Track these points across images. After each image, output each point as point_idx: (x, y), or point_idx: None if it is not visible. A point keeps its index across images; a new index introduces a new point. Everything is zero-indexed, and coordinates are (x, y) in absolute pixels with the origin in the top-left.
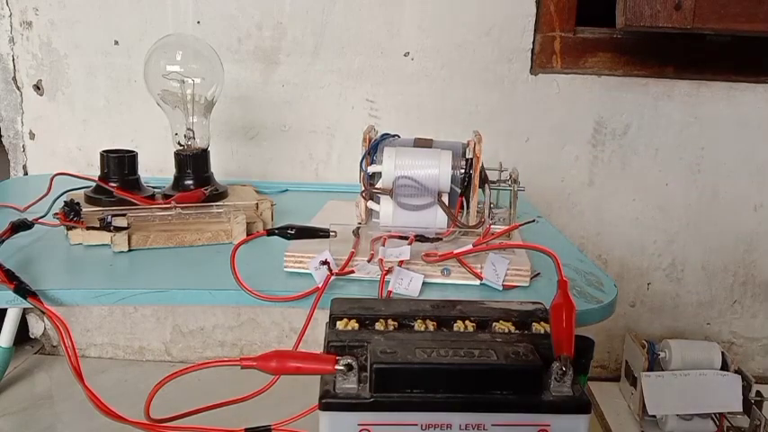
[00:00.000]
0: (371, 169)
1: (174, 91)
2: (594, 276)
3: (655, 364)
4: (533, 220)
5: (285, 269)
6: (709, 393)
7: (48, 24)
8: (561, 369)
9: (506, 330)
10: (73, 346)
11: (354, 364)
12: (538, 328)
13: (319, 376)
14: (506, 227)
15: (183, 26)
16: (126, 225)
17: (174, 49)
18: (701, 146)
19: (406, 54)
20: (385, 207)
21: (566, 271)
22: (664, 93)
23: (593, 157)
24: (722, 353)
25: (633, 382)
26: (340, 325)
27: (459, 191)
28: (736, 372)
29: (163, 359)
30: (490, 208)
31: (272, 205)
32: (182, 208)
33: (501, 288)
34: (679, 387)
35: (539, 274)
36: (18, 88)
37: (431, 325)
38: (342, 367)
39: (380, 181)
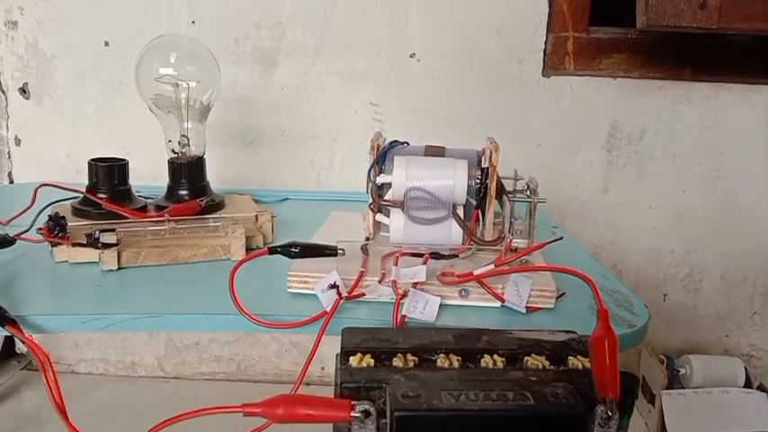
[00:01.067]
0: (381, 180)
1: (168, 95)
2: (622, 296)
3: (674, 380)
4: (560, 238)
5: (288, 290)
6: (733, 412)
7: (34, 24)
8: (606, 413)
9: (540, 366)
10: (56, 380)
11: (372, 409)
12: (575, 362)
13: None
14: (526, 242)
15: (177, 26)
16: (115, 241)
17: (168, 51)
18: (721, 151)
19: (412, 55)
20: (395, 221)
21: (588, 288)
22: (681, 95)
23: (608, 162)
24: (745, 368)
25: (651, 399)
26: (353, 361)
27: (475, 203)
28: (759, 388)
29: (156, 375)
30: (511, 222)
31: (272, 217)
32: (175, 221)
33: (524, 311)
34: (701, 406)
35: (563, 294)
36: (3, 92)
37: (455, 360)
38: (358, 414)
39: (390, 192)
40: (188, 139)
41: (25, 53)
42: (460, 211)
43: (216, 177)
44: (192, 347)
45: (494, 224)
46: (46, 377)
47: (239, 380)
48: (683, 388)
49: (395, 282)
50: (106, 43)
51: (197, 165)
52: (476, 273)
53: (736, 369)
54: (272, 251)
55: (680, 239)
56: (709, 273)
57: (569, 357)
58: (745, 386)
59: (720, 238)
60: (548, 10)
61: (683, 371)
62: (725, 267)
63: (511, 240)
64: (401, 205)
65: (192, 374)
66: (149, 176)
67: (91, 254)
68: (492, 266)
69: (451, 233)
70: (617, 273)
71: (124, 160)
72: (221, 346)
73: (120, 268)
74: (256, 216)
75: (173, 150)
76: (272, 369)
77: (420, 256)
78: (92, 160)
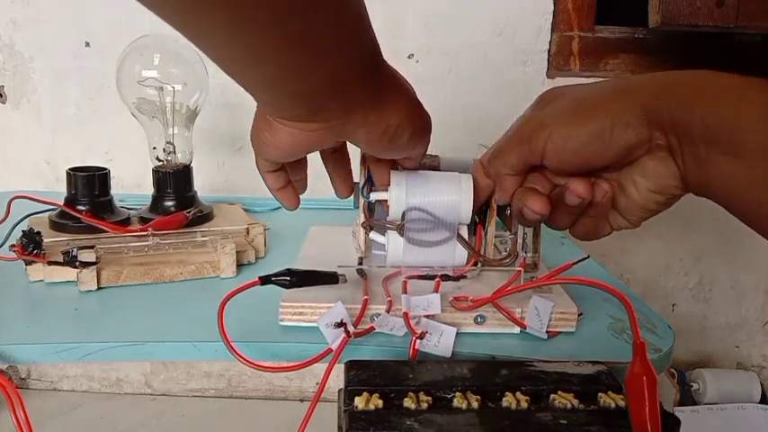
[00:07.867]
0: (375, 196)
1: (152, 99)
2: (643, 315)
3: (686, 396)
4: (587, 257)
5: (281, 323)
6: (750, 430)
7: (10, 24)
8: None
9: (569, 406)
10: (27, 421)
11: None
12: (606, 400)
13: None
14: (532, 257)
15: (161, 25)
16: (94, 260)
17: (151, 52)
18: None
19: (410, 56)
20: (393, 241)
21: (606, 307)
22: None
23: None
24: (761, 383)
25: None
26: (359, 402)
27: (477, 219)
28: None
29: (143, 392)
30: (524, 239)
31: (264, 230)
32: (160, 236)
33: (546, 336)
34: (716, 423)
35: (581, 314)
36: None
37: (473, 400)
38: None
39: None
40: (174, 147)
41: (1, 55)
42: (464, 229)
43: (204, 185)
44: (181, 363)
45: (501, 241)
46: (16, 416)
47: (230, 396)
48: (696, 404)
49: (407, 314)
50: (87, 44)
51: (184, 174)
52: (492, 295)
53: (751, 384)
54: (265, 281)
55: (690, 248)
56: (719, 281)
57: (600, 394)
58: (760, 402)
59: (730, 245)
60: (552, 8)
61: (695, 386)
62: (735, 276)
63: (525, 259)
64: (399, 228)
65: (180, 391)
66: (134, 184)
67: (68, 273)
68: (514, 284)
69: (455, 254)
70: (624, 282)
71: (105, 169)
72: (211, 361)
73: (99, 288)
74: (247, 229)
75: (157, 158)
76: (265, 385)
77: (427, 278)
78: (70, 169)
